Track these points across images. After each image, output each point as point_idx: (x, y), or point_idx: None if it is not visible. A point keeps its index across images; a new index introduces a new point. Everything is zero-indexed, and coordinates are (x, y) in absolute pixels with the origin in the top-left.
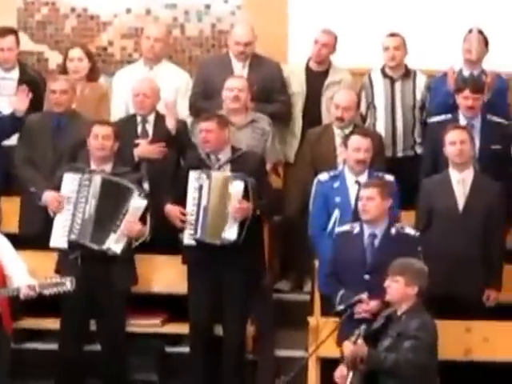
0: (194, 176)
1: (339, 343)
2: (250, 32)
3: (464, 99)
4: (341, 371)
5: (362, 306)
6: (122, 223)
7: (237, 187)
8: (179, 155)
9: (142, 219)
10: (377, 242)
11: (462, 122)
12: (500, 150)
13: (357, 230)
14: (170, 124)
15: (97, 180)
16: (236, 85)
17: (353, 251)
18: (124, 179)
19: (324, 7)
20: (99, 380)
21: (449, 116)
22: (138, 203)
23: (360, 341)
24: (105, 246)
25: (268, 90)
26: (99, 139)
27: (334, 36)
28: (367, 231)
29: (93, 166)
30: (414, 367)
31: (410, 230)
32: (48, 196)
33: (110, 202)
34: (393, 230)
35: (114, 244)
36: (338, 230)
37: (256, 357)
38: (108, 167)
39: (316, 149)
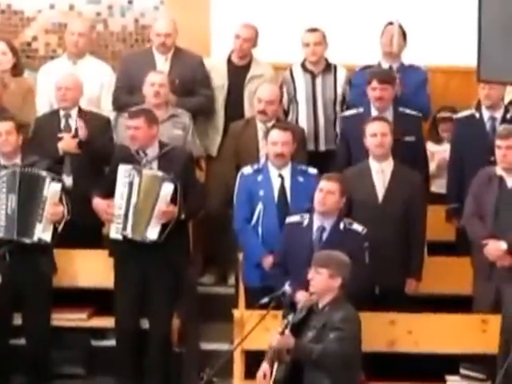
0: (123, 171)
1: None
2: (171, 24)
3: (372, 90)
4: (263, 370)
5: (304, 294)
6: (44, 211)
7: (166, 189)
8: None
9: (60, 201)
10: (325, 235)
11: (374, 114)
12: (413, 141)
13: (306, 222)
14: (82, 134)
15: (15, 175)
16: (156, 80)
17: (301, 242)
18: (38, 169)
19: (246, 1)
20: (25, 375)
21: (361, 110)
22: (53, 187)
23: (287, 331)
24: (35, 238)
25: (190, 83)
26: (2, 135)
27: (255, 30)
28: (316, 224)
29: (3, 162)
30: (339, 358)
31: (357, 227)
32: None
33: (29, 194)
34: (341, 225)
35: (43, 233)
36: (287, 220)
37: (181, 349)
38: (17, 160)
39: (239, 142)
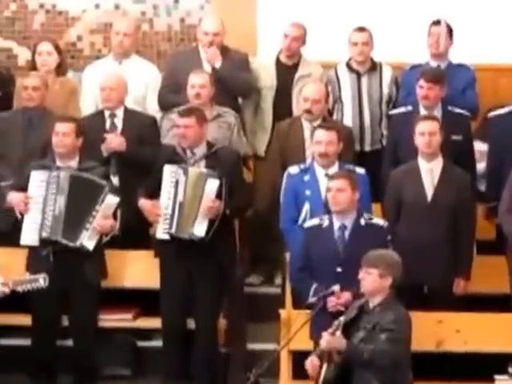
0: (169, 170)
1: (312, 336)
2: (219, 23)
3: (419, 88)
4: (312, 362)
5: (334, 299)
6: (94, 220)
7: (211, 185)
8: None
9: (113, 214)
10: (347, 233)
11: (423, 113)
12: (461, 140)
13: (326, 223)
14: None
15: (65, 177)
16: (197, 81)
17: (324, 244)
18: (93, 175)
19: (292, 0)
20: (71, 375)
21: (409, 108)
22: (110, 200)
23: (338, 332)
24: (78, 243)
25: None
26: (59, 136)
27: (304, 29)
28: (337, 223)
29: (58, 163)
30: (390, 359)
31: (378, 221)
32: (14, 197)
33: (81, 199)
34: (362, 221)
35: (87, 241)
36: (307, 224)
37: (228, 350)
38: (73, 163)
39: (285, 142)
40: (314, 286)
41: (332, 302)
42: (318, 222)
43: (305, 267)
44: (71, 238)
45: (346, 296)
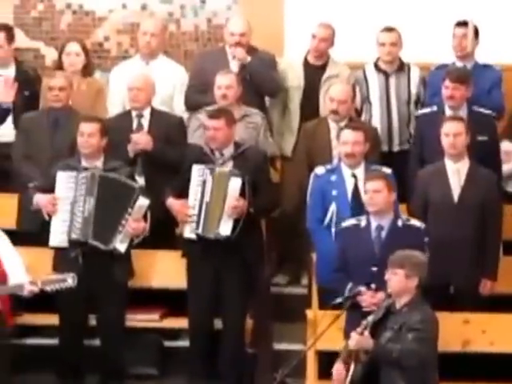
0: (197, 171)
1: (347, 335)
2: (245, 23)
3: (445, 89)
4: (337, 369)
5: (367, 298)
6: (126, 223)
7: (235, 184)
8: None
9: (143, 216)
10: (384, 234)
11: (448, 113)
12: (486, 141)
13: (363, 223)
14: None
15: (94, 178)
16: (223, 82)
17: (360, 244)
18: (121, 176)
19: (319, 0)
20: (98, 375)
21: (434, 108)
22: (142, 202)
23: (366, 332)
24: (111, 246)
25: None
26: (84, 136)
27: (332, 30)
28: (374, 224)
29: (84, 163)
30: (417, 359)
31: (415, 222)
32: (41, 199)
33: (111, 200)
34: (399, 222)
35: (120, 244)
36: (343, 224)
37: (254, 350)
38: (99, 163)
39: (311, 142)
40: (349, 285)
41: (366, 302)
42: (355, 221)
43: (341, 267)
44: (103, 241)
45: (380, 296)
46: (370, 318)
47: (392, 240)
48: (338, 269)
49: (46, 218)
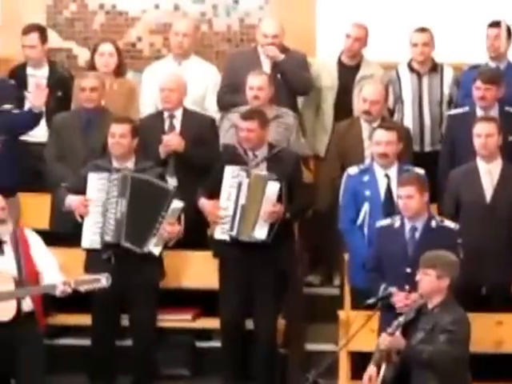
0: (231, 172)
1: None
2: (278, 25)
3: (476, 89)
4: (370, 374)
5: (401, 299)
6: (161, 226)
7: (272, 188)
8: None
9: (178, 219)
10: (417, 235)
11: (479, 114)
12: None
13: (398, 223)
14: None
15: (126, 179)
16: (255, 83)
17: (394, 245)
18: (153, 177)
19: (351, 0)
20: (130, 375)
21: (466, 108)
22: (176, 205)
23: (398, 333)
24: (145, 250)
25: None
26: (116, 137)
27: (366, 30)
28: (408, 225)
29: (115, 164)
30: (449, 360)
31: (449, 223)
32: (73, 200)
33: (144, 202)
34: (433, 223)
35: (154, 247)
36: (378, 224)
37: (286, 351)
38: (130, 164)
39: (344, 142)
40: (383, 286)
41: (400, 303)
42: (389, 221)
43: (375, 267)
44: (138, 244)
45: (414, 297)
46: (402, 319)
47: (426, 241)
48: (372, 268)
49: (79, 219)
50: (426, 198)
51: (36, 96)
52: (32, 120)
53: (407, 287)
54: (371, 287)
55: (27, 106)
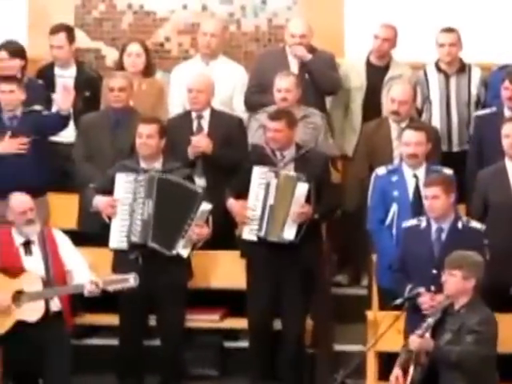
0: (259, 172)
1: (407, 337)
2: (306, 25)
3: (504, 90)
4: (396, 375)
5: (427, 300)
6: (189, 228)
7: (301, 189)
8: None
9: (206, 221)
10: (444, 236)
11: (507, 114)
12: None
13: (424, 224)
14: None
15: (153, 180)
16: (283, 85)
17: (420, 246)
18: (181, 178)
19: (380, 1)
20: (158, 375)
21: (494, 109)
22: (204, 207)
23: (427, 334)
24: (174, 252)
25: None
26: (143, 138)
27: (395, 30)
28: (434, 225)
29: (142, 165)
30: (477, 361)
31: (476, 224)
32: (100, 201)
33: (172, 204)
34: (459, 224)
35: (182, 249)
36: (404, 224)
37: (314, 351)
38: (158, 164)
39: (372, 143)
40: (409, 286)
41: (425, 304)
42: (416, 222)
43: (401, 267)
44: (166, 246)
45: (440, 298)
46: (431, 320)
47: (452, 242)
48: (397, 269)
49: (106, 220)
50: (452, 198)
51: (63, 99)
52: (60, 123)
53: (433, 288)
54: (397, 288)
55: (54, 108)
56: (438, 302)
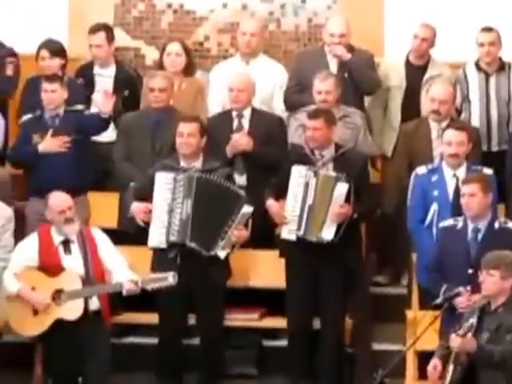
0: (298, 172)
1: (442, 336)
2: (345, 24)
3: None
4: (435, 365)
5: (463, 300)
6: (229, 230)
7: (341, 189)
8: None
9: (245, 223)
10: (480, 236)
11: None
12: None
13: (460, 224)
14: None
15: (192, 180)
16: (323, 88)
17: (457, 246)
18: (216, 175)
19: (419, 0)
20: (197, 374)
21: None
22: (246, 210)
23: (469, 335)
24: (213, 252)
25: None
26: (184, 137)
27: (434, 30)
28: (471, 226)
29: (182, 163)
30: None
31: None
32: (135, 207)
33: (211, 204)
34: (496, 225)
35: (221, 251)
36: (441, 224)
37: (354, 350)
38: (198, 163)
39: (412, 142)
40: (444, 286)
41: (462, 303)
42: (452, 222)
43: (437, 267)
44: (205, 246)
45: (476, 298)
46: (473, 321)
47: (488, 242)
48: (432, 269)
49: (141, 224)
50: (489, 198)
51: (103, 103)
52: (101, 125)
53: (469, 288)
54: (432, 287)
55: (93, 109)
56: (475, 302)
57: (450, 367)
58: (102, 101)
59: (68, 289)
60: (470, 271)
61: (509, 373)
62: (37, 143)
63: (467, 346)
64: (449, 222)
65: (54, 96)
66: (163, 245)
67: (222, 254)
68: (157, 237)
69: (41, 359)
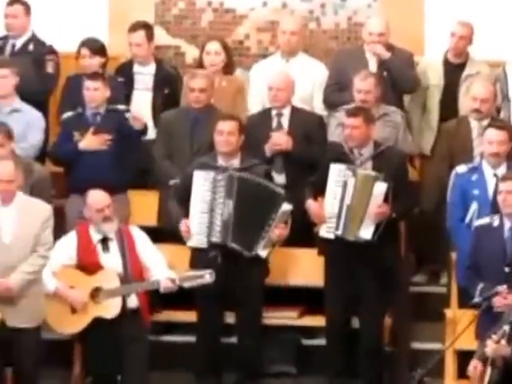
0: (337, 170)
1: (478, 336)
2: (384, 23)
3: None
4: (475, 367)
5: (500, 299)
6: (270, 229)
7: (379, 188)
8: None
9: (285, 221)
10: None
11: None
12: None
13: (497, 222)
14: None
15: (233, 180)
16: (363, 87)
17: (493, 244)
18: (255, 174)
19: None
20: (236, 373)
21: None
22: (285, 208)
23: (503, 341)
24: (254, 252)
25: None
26: (224, 135)
27: (471, 28)
28: (507, 223)
29: (220, 162)
30: None
31: None
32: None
33: (252, 203)
34: None
35: (262, 250)
36: (477, 222)
37: (393, 349)
38: (236, 161)
39: (452, 141)
40: (481, 285)
41: (499, 302)
42: (488, 220)
43: (473, 265)
44: (246, 246)
45: (498, 299)
46: (507, 328)
47: None
48: (468, 267)
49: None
50: None
51: (135, 121)
52: (136, 134)
53: (505, 287)
54: (468, 286)
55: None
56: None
57: (488, 370)
58: (132, 121)
59: (106, 287)
60: (507, 269)
61: None
62: (78, 140)
63: (501, 352)
64: (485, 219)
65: (96, 94)
66: (204, 245)
67: (263, 253)
68: (196, 236)
69: (79, 357)
